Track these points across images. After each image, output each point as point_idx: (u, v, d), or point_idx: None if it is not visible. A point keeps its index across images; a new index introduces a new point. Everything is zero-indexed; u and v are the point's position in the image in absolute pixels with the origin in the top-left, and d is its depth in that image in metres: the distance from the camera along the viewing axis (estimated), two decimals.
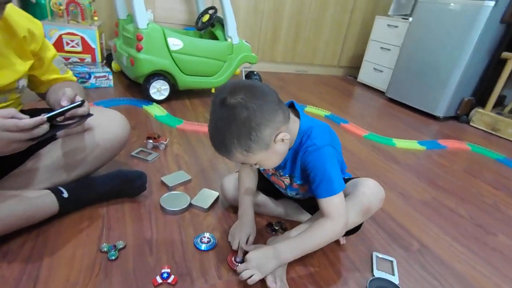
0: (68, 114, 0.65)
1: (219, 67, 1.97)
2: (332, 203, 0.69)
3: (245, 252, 0.75)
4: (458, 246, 0.99)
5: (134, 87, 1.99)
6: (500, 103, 2.33)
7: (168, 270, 0.72)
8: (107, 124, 0.91)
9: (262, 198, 0.96)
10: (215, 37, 2.10)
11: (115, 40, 2.01)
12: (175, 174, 1.11)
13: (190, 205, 0.97)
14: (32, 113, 0.64)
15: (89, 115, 0.70)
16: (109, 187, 0.90)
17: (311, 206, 0.88)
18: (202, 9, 2.26)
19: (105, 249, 0.76)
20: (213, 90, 2.13)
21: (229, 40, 1.99)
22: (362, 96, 2.76)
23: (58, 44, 1.98)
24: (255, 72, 2.31)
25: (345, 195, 0.76)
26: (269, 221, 0.95)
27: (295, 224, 0.94)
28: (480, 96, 2.31)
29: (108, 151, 0.92)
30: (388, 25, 2.76)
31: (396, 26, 2.68)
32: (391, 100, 2.63)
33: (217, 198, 1.01)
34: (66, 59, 2.01)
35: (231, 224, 0.91)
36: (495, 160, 1.74)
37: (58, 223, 0.82)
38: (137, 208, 0.93)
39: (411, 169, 1.47)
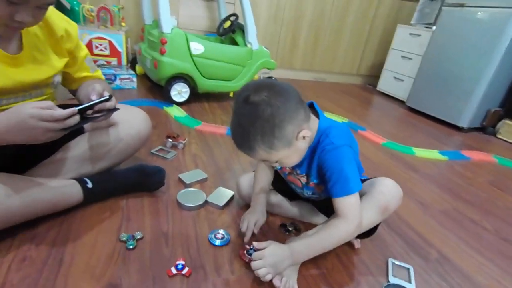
0: (96, 108, 0.69)
1: (238, 71, 2.01)
2: (347, 203, 0.69)
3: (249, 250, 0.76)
4: (480, 259, 0.94)
5: (156, 90, 2.05)
6: None
7: (183, 262, 0.74)
8: (130, 121, 0.96)
9: (278, 198, 0.97)
10: (235, 43, 2.15)
11: (140, 44, 2.09)
12: (192, 172, 1.14)
13: (206, 202, 0.98)
14: (64, 107, 0.69)
15: (115, 109, 0.74)
16: (130, 180, 0.93)
17: (327, 208, 0.87)
18: (224, 16, 2.32)
19: (124, 238, 0.79)
20: (231, 94, 2.17)
21: (248, 45, 2.03)
22: (381, 104, 2.72)
23: (88, 48, 2.07)
24: (273, 78, 2.34)
25: (362, 195, 0.77)
26: (283, 222, 0.95)
27: (309, 226, 0.95)
28: (508, 107, 2.21)
29: (130, 146, 0.96)
30: (410, 34, 2.72)
31: (419, 35, 2.64)
32: (412, 110, 2.57)
33: (232, 197, 1.03)
34: (94, 62, 2.12)
35: None
36: None
37: (82, 212, 0.86)
38: (155, 202, 0.96)
39: (431, 179, 1.43)
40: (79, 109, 0.63)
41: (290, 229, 0.93)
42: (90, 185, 0.85)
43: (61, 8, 2.11)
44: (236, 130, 0.66)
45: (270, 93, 0.62)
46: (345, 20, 3.01)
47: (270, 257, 0.67)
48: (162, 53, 1.72)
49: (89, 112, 0.69)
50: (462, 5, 2.20)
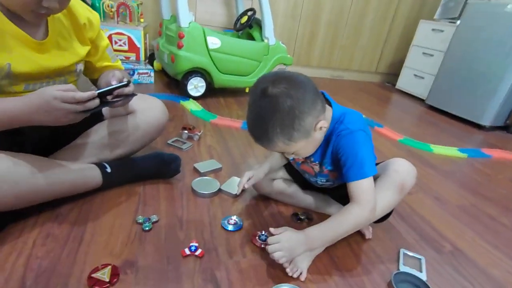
0: (115, 93, 0.72)
1: (254, 67, 2.02)
2: (361, 187, 0.70)
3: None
4: (497, 253, 0.92)
5: (173, 85, 2.10)
6: None
7: (196, 244, 0.76)
8: (148, 109, 0.99)
9: (291, 188, 0.98)
10: (252, 38, 2.17)
11: (158, 39, 2.15)
12: (207, 162, 1.17)
13: (220, 190, 1.01)
14: None
15: (133, 94, 0.77)
16: (147, 166, 0.97)
17: (341, 196, 0.88)
18: (241, 11, 2.34)
19: (140, 220, 0.82)
20: (247, 90, 2.18)
21: (265, 40, 2.04)
22: (399, 102, 2.67)
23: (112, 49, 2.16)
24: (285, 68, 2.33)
25: (377, 177, 0.77)
26: (296, 211, 0.96)
27: (322, 216, 0.95)
28: None
29: (147, 134, 0.99)
30: (433, 29, 2.65)
31: (442, 31, 2.56)
32: (431, 108, 2.51)
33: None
34: None
35: (257, 210, 0.94)
36: None
37: (101, 196, 0.90)
38: (171, 189, 0.99)
39: (449, 175, 1.40)
40: (99, 93, 0.66)
41: (302, 217, 0.93)
42: (109, 169, 0.88)
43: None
44: (255, 123, 0.67)
45: (289, 85, 0.62)
46: (365, 17, 2.97)
47: (286, 241, 0.68)
48: (179, 47, 1.75)
49: (109, 97, 0.72)
50: None
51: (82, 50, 0.84)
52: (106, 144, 0.92)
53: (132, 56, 2.28)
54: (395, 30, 3.12)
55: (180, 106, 1.76)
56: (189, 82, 1.85)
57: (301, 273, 0.72)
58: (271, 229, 0.71)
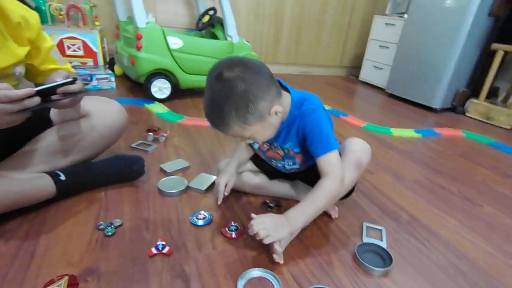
0: (60, 90, 0.67)
1: None
2: (329, 160, 0.74)
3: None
4: (446, 217, 1.02)
5: (137, 89, 2.03)
6: (494, 95, 2.36)
7: (163, 243, 0.75)
8: (104, 111, 0.94)
9: (259, 179, 0.99)
10: (215, 38, 2.16)
11: (116, 42, 2.08)
12: (174, 162, 1.15)
13: (188, 187, 1.00)
14: None
15: (81, 92, 0.72)
16: (107, 170, 0.93)
17: (309, 178, 0.90)
18: (202, 10, 2.32)
19: (102, 226, 0.79)
20: None
21: (229, 39, 2.04)
22: (363, 93, 2.79)
23: (59, 49, 2.03)
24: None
25: None
26: (265, 200, 0.98)
27: (290, 202, 0.98)
28: (474, 87, 2.34)
29: (104, 138, 0.95)
30: (386, 23, 2.80)
31: (393, 24, 2.72)
32: (391, 96, 2.66)
33: (214, 182, 1.04)
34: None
35: (227, 203, 0.95)
36: (488, 144, 1.77)
37: (56, 206, 0.84)
38: (135, 192, 0.96)
39: (407, 154, 1.50)
40: (38, 90, 0.61)
41: (272, 205, 0.96)
42: (63, 177, 0.83)
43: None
44: (210, 108, 0.68)
45: (244, 69, 0.64)
46: (325, 14, 3.07)
47: (270, 221, 0.70)
48: (138, 48, 1.71)
49: (54, 97, 0.67)
50: None
51: (20, 51, 0.77)
52: (57, 150, 0.86)
53: (90, 61, 2.18)
54: (354, 25, 3.26)
55: (145, 110, 1.72)
56: (152, 85, 1.81)
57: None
58: (253, 215, 0.71)
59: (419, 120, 2.13)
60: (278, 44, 3.03)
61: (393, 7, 2.86)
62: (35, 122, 0.84)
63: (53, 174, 0.82)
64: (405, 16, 2.56)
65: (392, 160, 1.42)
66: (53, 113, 0.90)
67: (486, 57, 2.22)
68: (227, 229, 0.83)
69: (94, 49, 2.15)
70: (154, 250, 0.73)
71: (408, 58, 2.48)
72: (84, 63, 2.14)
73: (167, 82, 1.85)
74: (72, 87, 0.68)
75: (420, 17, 2.37)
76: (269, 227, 0.69)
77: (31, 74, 0.87)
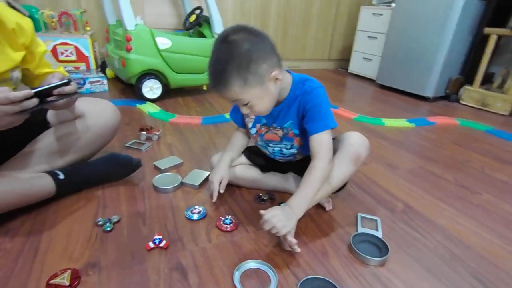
0: (56, 92, 0.69)
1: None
2: (321, 140, 0.77)
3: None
4: (442, 205, 1.02)
5: (129, 90, 2.04)
6: (489, 81, 2.35)
7: (160, 237, 0.76)
8: (97, 111, 0.97)
9: (253, 172, 1.00)
10: (203, 36, 2.17)
11: (107, 46, 2.08)
12: (167, 159, 1.16)
13: (182, 183, 1.01)
14: None
15: (75, 93, 0.75)
16: (103, 168, 0.95)
17: (302, 169, 0.90)
18: (189, 10, 2.33)
19: (100, 222, 0.80)
20: (204, 87, 2.19)
21: (216, 36, 2.04)
22: (353, 85, 2.80)
23: (53, 55, 2.05)
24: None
25: (335, 151, 0.83)
26: (258, 193, 0.99)
27: (283, 195, 0.99)
28: (467, 74, 2.33)
29: (99, 137, 0.97)
30: (373, 13, 2.81)
31: (381, 14, 2.73)
32: (382, 87, 2.67)
33: (208, 177, 1.05)
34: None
35: (221, 197, 0.95)
36: (484, 131, 1.77)
37: (56, 204, 0.87)
38: (131, 189, 0.98)
39: (399, 144, 1.51)
40: (35, 92, 0.64)
41: (265, 198, 0.97)
42: (61, 176, 0.85)
43: None
44: (213, 66, 0.70)
45: (248, 34, 0.68)
46: (311, 7, 3.07)
47: (281, 214, 0.71)
48: (128, 50, 1.71)
49: (50, 99, 0.70)
50: None
51: (16, 56, 0.80)
52: (55, 150, 0.89)
53: (82, 66, 2.18)
54: (340, 17, 3.26)
55: (137, 110, 1.72)
56: (143, 85, 1.82)
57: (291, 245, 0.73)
58: (262, 211, 0.72)
59: (411, 109, 2.14)
60: None
61: None
62: (34, 124, 0.86)
63: (52, 174, 0.84)
64: (393, 5, 2.57)
65: (385, 150, 1.43)
66: (50, 115, 0.93)
67: (479, 42, 2.21)
68: (222, 222, 0.84)
69: (86, 54, 2.15)
70: (151, 244, 0.74)
71: (397, 48, 2.49)
72: (77, 68, 2.15)
73: (157, 82, 1.86)
74: (67, 88, 0.71)
75: (408, 5, 2.37)
76: (283, 219, 0.70)
77: (28, 78, 0.89)
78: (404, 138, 1.60)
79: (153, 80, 1.84)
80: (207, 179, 1.04)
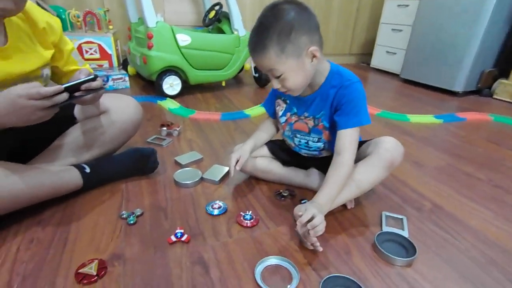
0: (83, 87, 0.71)
1: (227, 60, 2.03)
2: (351, 137, 0.76)
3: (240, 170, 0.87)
4: (474, 205, 0.96)
5: (149, 87, 2.08)
6: None
7: (182, 231, 0.77)
8: (121, 107, 0.99)
9: (274, 165, 0.99)
10: (222, 32, 2.17)
11: (129, 43, 2.12)
12: (187, 154, 1.17)
13: (202, 179, 1.01)
14: None
15: (101, 88, 0.77)
16: (126, 162, 0.97)
17: (325, 166, 0.88)
18: (208, 7, 2.33)
19: (124, 215, 0.82)
20: (223, 84, 2.19)
21: (235, 32, 2.04)
22: (375, 80, 2.72)
23: (79, 53, 2.11)
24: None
25: (367, 155, 0.82)
26: (278, 189, 0.98)
27: (304, 191, 0.97)
28: (502, 66, 2.20)
29: (123, 132, 0.99)
30: (398, 5, 2.70)
31: (407, 5, 2.62)
32: (406, 81, 2.57)
33: (228, 172, 1.05)
34: None
35: (241, 193, 0.96)
36: None
37: (82, 197, 0.89)
38: (153, 183, 0.99)
39: (426, 141, 1.44)
40: (65, 87, 0.66)
41: (285, 194, 0.95)
42: (88, 170, 0.88)
43: None
44: (256, 29, 0.71)
45: (297, 6, 0.69)
46: (332, 1, 3.00)
47: (318, 212, 0.70)
48: (149, 47, 1.74)
49: (78, 93, 0.72)
50: None
51: (46, 54, 0.84)
52: (82, 144, 0.92)
53: (105, 64, 2.25)
54: (363, 10, 3.17)
55: (157, 106, 1.75)
56: (164, 82, 1.84)
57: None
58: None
59: (438, 105, 2.04)
60: None
61: None
62: (62, 120, 0.90)
63: (79, 167, 0.87)
64: None
65: (411, 147, 1.37)
66: (77, 111, 0.96)
67: None
68: (242, 218, 0.83)
69: (109, 52, 2.21)
70: (173, 238, 0.75)
71: (424, 40, 2.38)
72: (100, 65, 2.21)
73: (177, 78, 1.88)
74: (94, 84, 0.73)
75: None
76: (321, 218, 0.69)
77: (57, 76, 0.93)
78: (431, 134, 1.53)
79: (173, 76, 1.86)
80: (227, 174, 1.04)
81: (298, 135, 0.90)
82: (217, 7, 2.14)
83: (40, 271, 0.65)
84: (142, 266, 0.67)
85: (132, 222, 0.80)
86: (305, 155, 0.94)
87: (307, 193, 0.96)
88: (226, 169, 1.06)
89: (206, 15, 2.23)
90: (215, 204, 0.89)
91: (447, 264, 0.72)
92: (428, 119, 1.72)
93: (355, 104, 0.76)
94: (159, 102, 1.80)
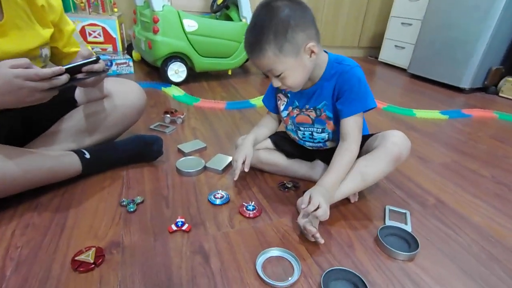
0: (85, 69, 0.69)
1: (234, 48, 1.99)
2: (356, 124, 0.77)
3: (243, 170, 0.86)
4: (477, 202, 0.96)
5: (154, 73, 2.06)
6: None
7: (183, 220, 0.76)
8: (124, 91, 0.97)
9: (278, 157, 0.98)
10: (230, 19, 2.12)
11: (134, 27, 2.08)
12: (191, 142, 1.16)
13: (205, 167, 1.00)
14: None
15: (104, 71, 0.75)
16: (128, 149, 0.95)
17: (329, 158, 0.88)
18: None
19: (124, 203, 0.81)
20: (229, 72, 2.16)
21: (243, 20, 2.00)
22: (383, 74, 2.68)
23: (81, 36, 2.09)
24: None
25: (374, 148, 0.80)
26: (282, 181, 0.97)
27: (308, 183, 0.96)
28: (510, 64, 2.16)
29: (126, 117, 0.98)
30: None
31: None
32: (414, 76, 2.54)
33: (231, 162, 1.04)
34: None
35: (244, 183, 0.94)
36: None
37: (83, 183, 0.88)
38: (155, 171, 0.98)
39: (432, 136, 1.43)
40: (66, 68, 0.64)
41: (289, 186, 0.94)
42: (88, 155, 0.86)
43: None
44: (250, 32, 0.69)
45: (291, 2, 0.67)
46: None
47: (325, 201, 0.70)
48: (155, 32, 1.71)
49: (79, 76, 0.70)
50: None
51: (45, 33, 0.81)
52: (83, 129, 0.90)
53: (109, 48, 2.22)
54: (373, 3, 3.10)
55: (162, 93, 1.73)
56: (169, 68, 1.81)
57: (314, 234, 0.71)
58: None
59: (445, 101, 2.01)
60: None
61: None
62: (62, 103, 0.88)
63: (79, 152, 0.86)
64: None
65: (416, 142, 1.35)
66: (78, 94, 0.94)
67: None
68: (245, 208, 0.82)
69: (113, 35, 2.18)
70: (174, 227, 0.74)
71: (434, 35, 2.33)
72: (104, 49, 2.19)
73: (182, 65, 1.85)
74: (96, 66, 0.71)
75: None
76: (327, 204, 0.70)
77: (56, 57, 0.90)
78: (436, 130, 1.51)
79: (179, 63, 1.83)
80: (230, 164, 1.03)
81: (301, 128, 0.89)
82: None
83: (35, 257, 0.64)
84: (141, 254, 0.66)
85: (132, 209, 0.79)
86: (310, 148, 0.93)
87: (311, 185, 0.93)
88: (230, 158, 1.05)
89: (214, 1, 2.18)
90: (218, 193, 0.88)
91: (450, 260, 0.72)
92: (434, 114, 1.69)
93: (357, 89, 0.75)
94: (163, 88, 1.78)
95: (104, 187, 0.88)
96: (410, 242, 0.74)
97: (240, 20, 2.02)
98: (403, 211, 0.86)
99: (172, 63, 1.81)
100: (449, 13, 2.20)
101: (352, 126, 0.76)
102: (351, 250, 0.72)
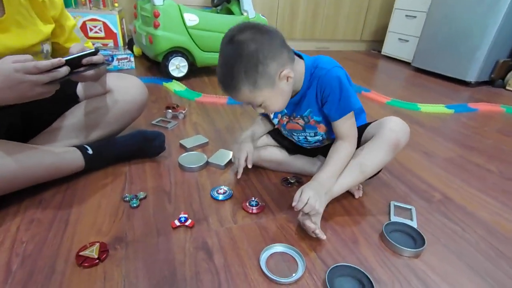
0: (84, 61, 0.68)
1: None
2: (347, 125, 0.76)
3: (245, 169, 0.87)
4: (484, 197, 0.94)
5: (155, 68, 2.04)
6: None
7: (186, 215, 0.76)
8: (125, 87, 0.97)
9: (279, 154, 0.96)
10: (231, 13, 2.10)
11: (135, 22, 2.07)
12: (193, 138, 1.15)
13: (207, 163, 1.00)
14: None
15: (103, 63, 0.73)
16: (130, 144, 0.94)
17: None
18: None
19: (127, 198, 0.81)
20: None
21: (244, 14, 1.98)
22: (386, 68, 2.65)
23: (82, 31, 2.08)
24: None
25: (371, 136, 0.78)
26: (285, 176, 0.96)
27: (310, 178, 0.95)
28: None
29: (127, 113, 0.97)
30: None
31: None
32: (418, 70, 2.50)
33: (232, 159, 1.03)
34: None
35: (247, 179, 0.94)
36: None
37: (85, 179, 0.88)
38: (157, 166, 0.97)
39: (437, 131, 1.41)
40: (66, 60, 0.63)
41: (292, 181, 0.93)
42: (90, 151, 0.86)
43: None
44: (222, 70, 0.67)
45: (254, 32, 0.63)
46: None
47: (315, 194, 0.69)
48: (156, 26, 1.69)
49: (79, 69, 0.69)
50: None
51: (46, 29, 0.80)
52: (84, 125, 0.89)
53: (110, 43, 2.21)
54: None
55: (163, 88, 1.72)
56: (170, 63, 1.80)
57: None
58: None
59: (450, 95, 1.99)
60: (295, 18, 2.90)
61: None
62: (63, 99, 0.87)
63: (81, 148, 0.85)
64: None
65: (421, 137, 1.33)
66: (79, 90, 0.93)
67: None
68: (248, 204, 0.82)
69: (114, 30, 2.17)
70: (177, 222, 0.74)
71: (439, 27, 2.30)
72: (105, 45, 2.17)
73: (184, 60, 1.83)
74: (95, 58, 0.70)
75: None
76: (318, 197, 0.69)
77: (58, 53, 0.89)
78: (441, 125, 1.49)
79: (180, 58, 1.82)
80: (232, 160, 1.02)
81: (295, 133, 0.88)
82: None
83: (40, 252, 0.64)
84: (144, 250, 0.66)
85: (135, 205, 0.79)
86: (309, 147, 0.92)
87: None
88: (232, 153, 1.04)
89: None
90: (221, 189, 0.87)
91: (456, 257, 0.71)
92: (439, 109, 1.67)
93: (339, 92, 0.72)
94: (164, 84, 1.77)
95: (107, 183, 0.88)
96: (416, 239, 0.73)
97: (241, 14, 2.00)
98: (409, 207, 0.85)
99: (173, 58, 1.79)
100: (455, 5, 2.16)
101: (344, 126, 0.76)
102: (355, 246, 0.72)
